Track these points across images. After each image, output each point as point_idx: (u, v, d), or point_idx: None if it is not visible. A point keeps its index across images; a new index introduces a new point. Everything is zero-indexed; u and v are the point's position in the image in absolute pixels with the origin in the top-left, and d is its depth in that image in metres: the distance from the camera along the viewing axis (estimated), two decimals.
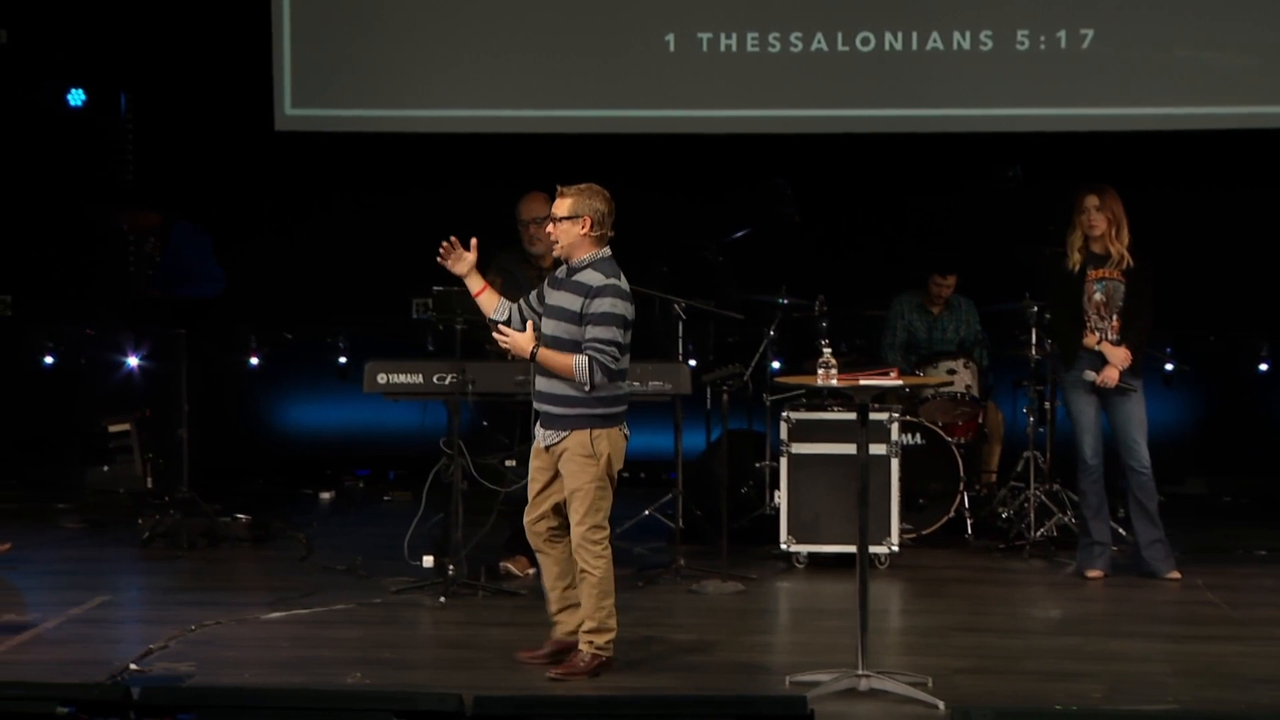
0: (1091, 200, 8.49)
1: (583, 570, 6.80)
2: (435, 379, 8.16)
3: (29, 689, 5.49)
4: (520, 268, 8.59)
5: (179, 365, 9.56)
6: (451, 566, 8.15)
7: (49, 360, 11.42)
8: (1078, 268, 8.53)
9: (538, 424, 6.92)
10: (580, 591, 6.85)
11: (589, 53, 10.75)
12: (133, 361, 11.01)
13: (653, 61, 10.72)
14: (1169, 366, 11.03)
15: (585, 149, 10.94)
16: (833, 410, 9.09)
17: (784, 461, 8.97)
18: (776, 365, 9.97)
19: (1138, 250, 8.51)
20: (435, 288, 7.08)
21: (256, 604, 8.01)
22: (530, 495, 6.96)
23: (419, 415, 8.75)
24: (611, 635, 6.85)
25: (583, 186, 6.81)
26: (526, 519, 6.97)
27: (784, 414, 9.03)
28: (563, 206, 6.78)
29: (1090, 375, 8.49)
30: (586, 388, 6.69)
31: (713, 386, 9.32)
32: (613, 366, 6.73)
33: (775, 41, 10.64)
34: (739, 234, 9.91)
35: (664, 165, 11.22)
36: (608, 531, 6.84)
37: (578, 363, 6.67)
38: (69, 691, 5.30)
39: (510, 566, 8.55)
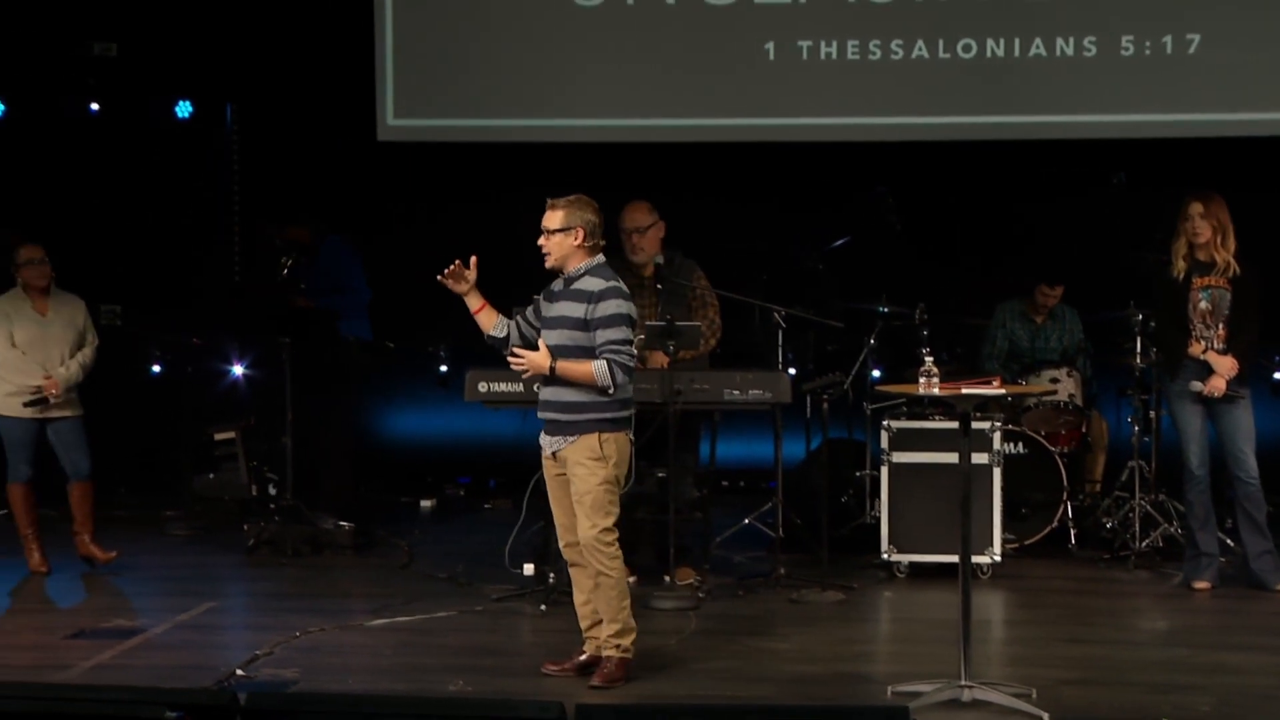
0: (1196, 207, 8.37)
1: (600, 574, 6.81)
2: (535, 387, 8.19)
3: (138, 693, 5.56)
4: (621, 275, 8.58)
5: (284, 374, 9.66)
6: (552, 574, 8.18)
7: (156, 369, 11.58)
8: (1182, 276, 8.42)
9: (543, 433, 6.93)
10: (597, 595, 6.86)
11: (689, 62, 10.75)
12: (238, 370, 11.14)
13: (753, 70, 10.70)
14: (1278, 375, 10.85)
15: (685, 158, 10.97)
16: (934, 419, 9.04)
17: (885, 470, 8.93)
18: (877, 374, 9.92)
19: (1244, 258, 8.39)
20: (535, 296, 7.12)
21: (360, 611, 8.09)
22: (558, 512, 6.96)
23: (519, 423, 8.78)
24: (634, 635, 6.89)
25: (573, 198, 6.85)
26: (563, 535, 6.97)
27: (885, 423, 8.99)
28: (554, 219, 6.81)
29: (1196, 385, 8.37)
30: (611, 390, 6.73)
31: (813, 395, 9.29)
32: (630, 364, 6.79)
33: (876, 49, 10.60)
34: (839, 242, 9.87)
35: (764, 174, 11.21)
36: (617, 534, 6.84)
37: (598, 368, 6.71)
38: (177, 696, 5.37)
39: None
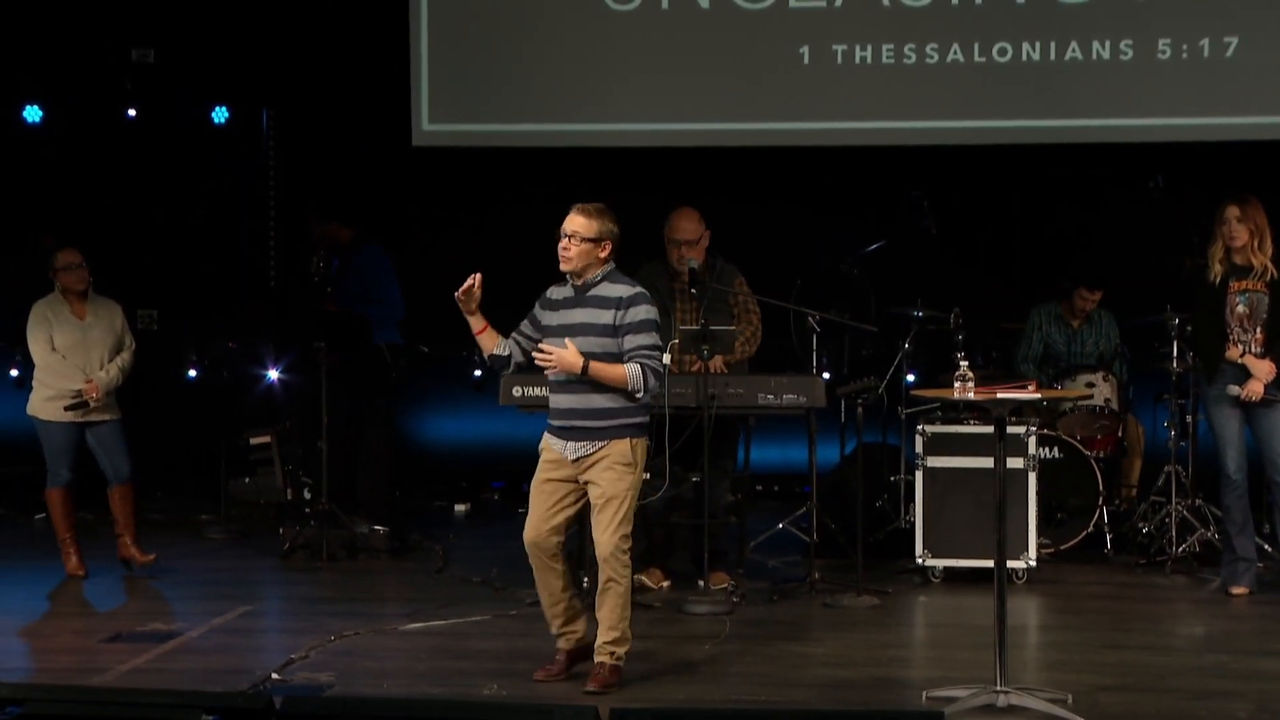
0: (1233, 211, 8.33)
1: (610, 579, 6.75)
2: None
3: (174, 697, 5.60)
4: (663, 280, 8.62)
5: (319, 379, 9.68)
6: (586, 579, 8.18)
7: (193, 374, 11.62)
8: (1219, 279, 8.38)
9: (555, 438, 6.82)
10: (603, 600, 6.78)
11: (724, 66, 10.74)
12: (273, 375, 11.18)
13: (788, 74, 10.69)
14: None
15: (719, 162, 10.95)
16: (969, 423, 9.02)
17: (919, 475, 8.91)
18: (911, 378, 9.90)
19: None
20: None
21: (395, 615, 8.10)
22: (542, 509, 6.84)
23: None
24: (629, 645, 6.87)
25: (600, 207, 6.81)
26: (537, 534, 6.84)
27: (919, 427, 8.97)
28: (588, 227, 6.76)
29: (1234, 389, 8.33)
30: (640, 395, 6.74)
31: (848, 399, 9.27)
32: (660, 370, 6.81)
33: (911, 53, 10.57)
34: (874, 246, 9.86)
35: (799, 178, 11.20)
36: (631, 542, 6.84)
37: (631, 371, 6.70)
38: (213, 700, 5.40)
39: (644, 579, 8.55)
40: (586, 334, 6.76)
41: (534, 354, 6.82)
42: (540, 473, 6.89)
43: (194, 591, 8.92)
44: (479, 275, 6.82)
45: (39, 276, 9.23)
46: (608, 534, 6.75)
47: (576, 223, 6.78)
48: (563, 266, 6.82)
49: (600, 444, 6.77)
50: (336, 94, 11.54)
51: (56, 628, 8.14)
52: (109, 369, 9.07)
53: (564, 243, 6.79)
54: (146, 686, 6.64)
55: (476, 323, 6.88)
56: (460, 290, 6.80)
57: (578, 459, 6.80)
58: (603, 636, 6.80)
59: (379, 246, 10.26)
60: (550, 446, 6.87)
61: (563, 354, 6.73)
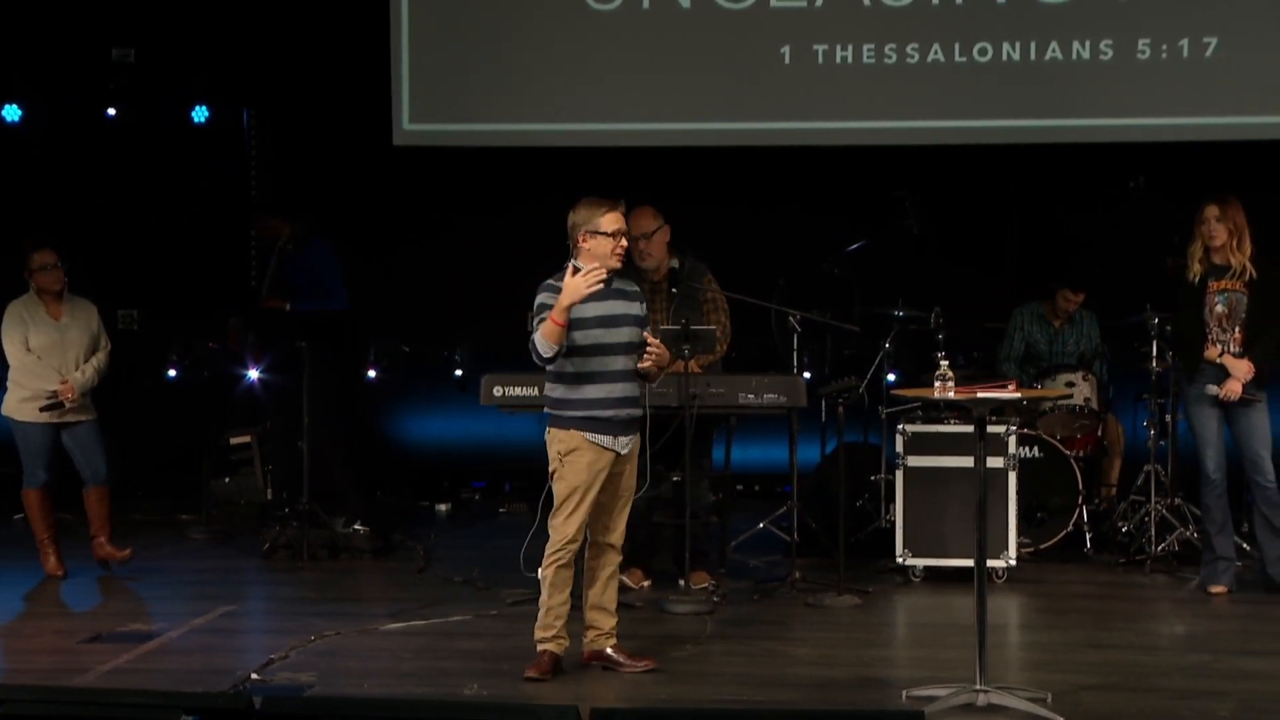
0: (1212, 210, 8.35)
1: (618, 568, 7.00)
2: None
3: (154, 697, 5.58)
4: (635, 281, 8.59)
5: (300, 378, 9.66)
6: None
7: (173, 374, 11.60)
8: (1198, 279, 8.40)
9: (603, 434, 6.78)
10: (609, 585, 6.97)
11: (705, 65, 10.75)
12: (254, 375, 11.16)
13: (769, 74, 10.70)
14: None
15: (702, 161, 10.96)
16: (949, 423, 9.03)
17: (900, 474, 8.93)
18: (892, 378, 9.92)
19: (1266, 259, 8.35)
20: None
21: (376, 615, 8.09)
22: (589, 510, 6.85)
23: (535, 428, 8.78)
24: None
25: None
26: (576, 537, 6.83)
27: (900, 427, 8.98)
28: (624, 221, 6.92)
29: (1213, 389, 8.35)
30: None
31: (829, 399, 9.28)
32: None
33: (891, 53, 10.59)
34: (854, 246, 9.87)
35: (781, 178, 11.21)
36: None
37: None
38: (193, 700, 5.38)
39: (625, 579, 8.52)
40: (630, 324, 6.85)
41: (650, 348, 6.80)
42: (589, 472, 6.77)
43: (175, 591, 8.90)
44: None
45: (17, 277, 9.20)
46: (622, 527, 6.92)
47: (622, 220, 6.86)
48: (643, 263, 7.02)
49: (635, 435, 6.90)
50: (317, 93, 11.52)
51: (36, 628, 8.11)
52: (85, 369, 9.04)
53: (641, 245, 6.91)
54: (126, 687, 6.63)
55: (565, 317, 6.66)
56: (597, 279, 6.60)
57: (626, 452, 6.87)
58: (610, 621, 6.97)
59: (326, 242, 10.17)
60: (597, 444, 6.78)
61: (665, 347, 6.90)
